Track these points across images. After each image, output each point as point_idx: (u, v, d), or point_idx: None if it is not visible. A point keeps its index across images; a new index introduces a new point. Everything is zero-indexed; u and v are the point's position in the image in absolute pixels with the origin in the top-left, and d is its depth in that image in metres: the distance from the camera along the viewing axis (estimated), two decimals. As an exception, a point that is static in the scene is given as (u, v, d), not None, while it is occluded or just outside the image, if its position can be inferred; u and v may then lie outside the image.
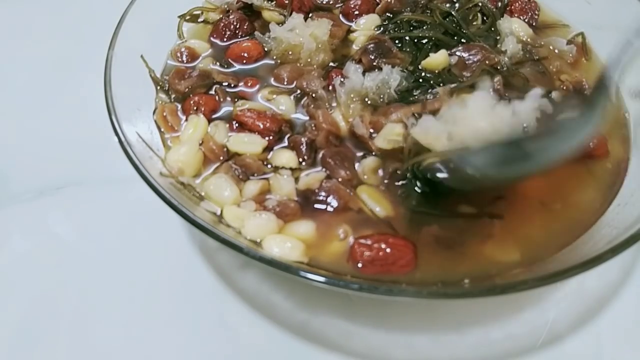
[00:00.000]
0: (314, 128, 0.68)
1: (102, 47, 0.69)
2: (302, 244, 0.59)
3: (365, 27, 0.83)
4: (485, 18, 0.84)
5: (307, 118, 0.71)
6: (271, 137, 0.68)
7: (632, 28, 0.60)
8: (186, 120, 0.71)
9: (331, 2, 0.88)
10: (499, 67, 0.76)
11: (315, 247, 0.59)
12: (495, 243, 0.60)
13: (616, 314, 0.62)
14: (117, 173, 0.70)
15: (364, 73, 0.72)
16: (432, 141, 0.62)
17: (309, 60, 0.77)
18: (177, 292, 0.65)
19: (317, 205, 0.62)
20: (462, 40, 0.79)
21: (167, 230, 0.69)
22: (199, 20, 0.86)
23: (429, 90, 0.72)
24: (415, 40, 0.79)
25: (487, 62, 0.75)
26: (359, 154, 0.67)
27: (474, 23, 0.84)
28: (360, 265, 0.56)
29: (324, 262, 0.58)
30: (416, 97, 0.71)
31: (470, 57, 0.76)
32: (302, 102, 0.72)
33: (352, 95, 0.71)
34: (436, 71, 0.75)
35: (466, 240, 0.60)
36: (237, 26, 0.82)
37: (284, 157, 0.66)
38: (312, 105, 0.71)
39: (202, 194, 0.64)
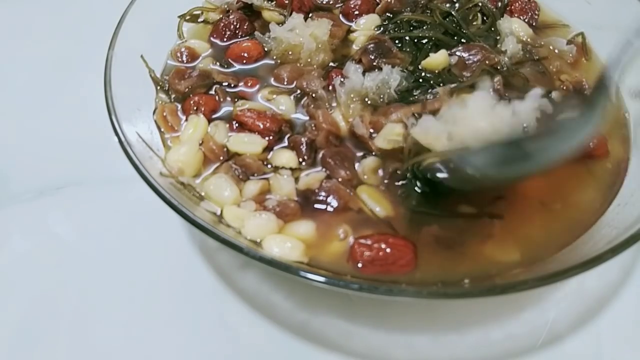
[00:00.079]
0: (314, 128, 0.68)
1: (102, 47, 0.69)
2: (302, 244, 0.59)
3: (365, 27, 0.83)
4: (485, 18, 0.84)
5: (307, 118, 0.71)
6: (271, 137, 0.68)
7: (632, 28, 0.60)
8: (186, 120, 0.71)
9: (331, 2, 0.88)
10: (499, 67, 0.76)
11: (315, 247, 0.59)
12: (496, 243, 0.60)
13: (616, 314, 0.62)
14: (117, 173, 0.70)
15: (364, 73, 0.72)
16: (432, 141, 0.62)
17: (309, 60, 0.77)
18: (177, 292, 0.65)
19: (317, 205, 0.62)
20: (462, 40, 0.79)
21: (167, 230, 0.69)
22: (199, 20, 0.86)
23: (429, 90, 0.72)
24: (415, 40, 0.79)
25: (487, 62, 0.75)
26: (359, 154, 0.67)
27: (474, 23, 0.84)
28: (360, 265, 0.56)
29: (324, 262, 0.58)
30: (416, 97, 0.71)
31: (470, 57, 0.76)
32: (302, 102, 0.72)
33: (352, 95, 0.71)
34: (436, 71, 0.75)
35: (466, 240, 0.60)
36: (237, 26, 0.82)
37: (284, 157, 0.66)
38: (312, 105, 0.71)
39: (202, 194, 0.64)
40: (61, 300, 0.65)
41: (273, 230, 0.60)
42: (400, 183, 0.64)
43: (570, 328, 0.62)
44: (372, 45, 0.76)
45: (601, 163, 0.68)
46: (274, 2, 0.86)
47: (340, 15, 0.86)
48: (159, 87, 0.75)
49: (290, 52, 0.78)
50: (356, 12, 0.84)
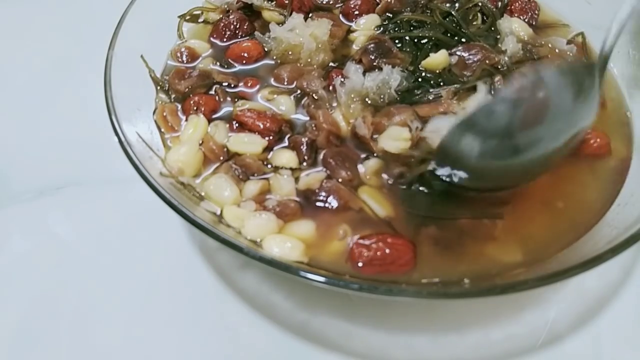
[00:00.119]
0: (314, 128, 0.68)
1: (102, 47, 0.69)
2: (302, 243, 0.59)
3: (365, 27, 0.83)
4: (485, 18, 0.84)
5: (308, 118, 0.71)
6: (271, 137, 0.68)
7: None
8: (186, 120, 0.71)
9: (331, 2, 0.88)
10: (499, 67, 0.76)
11: (315, 247, 0.59)
12: (497, 243, 0.60)
13: (616, 314, 0.62)
14: (117, 173, 0.70)
15: (364, 73, 0.72)
16: None
17: (309, 60, 0.77)
18: (177, 292, 0.65)
19: (317, 205, 0.62)
20: (462, 40, 0.79)
21: (167, 230, 0.69)
22: (199, 20, 0.86)
23: (430, 91, 0.72)
24: (416, 40, 0.79)
25: (487, 61, 0.75)
26: (361, 155, 0.67)
27: (474, 23, 0.84)
28: (359, 265, 0.56)
29: (324, 262, 0.58)
30: (417, 97, 0.72)
31: (471, 56, 0.76)
32: (302, 102, 0.72)
33: (352, 96, 0.71)
34: (437, 71, 0.75)
35: (467, 240, 0.60)
36: (237, 26, 0.82)
37: (284, 157, 0.66)
38: (312, 106, 0.71)
39: (202, 194, 0.64)
40: (61, 300, 0.65)
41: (273, 230, 0.60)
42: (404, 185, 0.64)
43: (570, 328, 0.62)
44: (372, 45, 0.76)
45: (604, 162, 0.67)
46: (274, 2, 0.86)
47: (340, 15, 0.85)
48: (159, 87, 0.75)
49: (290, 52, 0.78)
50: (356, 12, 0.84)
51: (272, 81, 0.76)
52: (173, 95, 0.74)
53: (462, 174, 0.60)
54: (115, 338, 0.62)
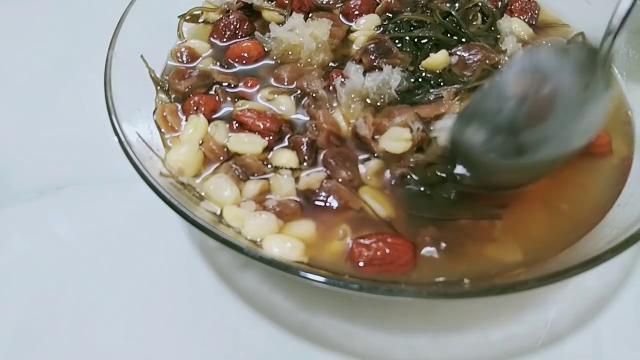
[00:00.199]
0: (314, 128, 0.68)
1: (102, 47, 0.69)
2: (302, 243, 0.59)
3: (365, 27, 0.83)
4: (485, 18, 0.84)
5: (308, 118, 0.71)
6: (271, 137, 0.68)
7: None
8: (186, 120, 0.71)
9: (331, 2, 0.88)
10: (499, 67, 0.76)
11: (315, 247, 0.59)
12: (497, 243, 0.60)
13: (616, 314, 0.62)
14: (117, 173, 0.70)
15: (364, 73, 0.72)
16: None
17: (309, 60, 0.77)
18: (177, 292, 0.65)
19: (317, 206, 0.62)
20: (462, 40, 0.79)
21: (167, 230, 0.69)
22: (199, 20, 0.86)
23: (430, 91, 0.72)
24: (416, 40, 0.79)
25: (487, 61, 0.75)
26: (361, 155, 0.67)
27: (474, 23, 0.84)
28: (359, 264, 0.56)
29: (324, 262, 0.58)
30: (418, 97, 0.72)
31: (471, 56, 0.76)
32: (302, 102, 0.72)
33: (352, 96, 0.71)
34: (437, 71, 0.75)
35: (467, 241, 0.59)
36: (237, 26, 0.82)
37: (284, 157, 0.66)
38: (312, 106, 0.71)
39: (202, 194, 0.64)
40: (61, 300, 0.65)
41: (273, 230, 0.60)
42: (405, 186, 0.64)
43: (570, 328, 0.61)
44: (372, 45, 0.76)
45: (604, 161, 0.67)
46: (274, 2, 0.86)
47: (340, 15, 0.85)
48: (159, 87, 0.75)
49: (290, 52, 0.78)
50: (356, 12, 0.84)
51: (272, 81, 0.76)
52: (173, 95, 0.74)
53: (471, 170, 0.60)
54: (115, 338, 0.62)
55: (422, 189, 0.63)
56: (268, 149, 0.68)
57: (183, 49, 0.79)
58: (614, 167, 0.67)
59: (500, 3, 0.87)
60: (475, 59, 0.75)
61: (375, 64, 0.74)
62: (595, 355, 0.60)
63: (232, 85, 0.75)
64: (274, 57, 0.78)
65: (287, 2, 0.85)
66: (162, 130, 0.70)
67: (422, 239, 0.59)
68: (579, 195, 0.64)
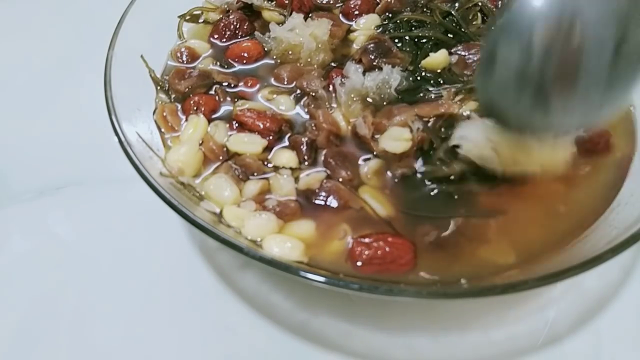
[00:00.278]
0: (314, 128, 0.68)
1: (102, 47, 0.69)
2: (302, 243, 0.59)
3: (365, 26, 0.83)
4: (485, 17, 0.84)
5: (308, 118, 0.71)
6: (271, 137, 0.68)
7: None
8: (186, 120, 0.71)
9: (331, 2, 0.88)
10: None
11: (315, 247, 0.59)
12: (496, 244, 0.60)
13: (616, 314, 0.62)
14: (117, 173, 0.70)
15: (364, 73, 0.72)
16: (482, 151, 0.61)
17: (309, 60, 0.77)
18: (177, 292, 0.65)
19: (317, 205, 0.62)
20: (462, 39, 0.79)
21: (167, 230, 0.69)
22: (199, 20, 0.86)
23: (430, 90, 0.72)
24: (416, 40, 0.79)
25: (487, 61, 0.75)
26: (362, 155, 0.67)
27: (474, 22, 0.84)
28: (359, 264, 0.56)
29: (324, 262, 0.58)
30: (418, 97, 0.72)
31: (471, 55, 0.76)
32: (302, 101, 0.72)
33: (352, 95, 0.71)
34: (437, 70, 0.75)
35: (466, 241, 0.59)
36: (237, 26, 0.82)
37: (284, 157, 0.66)
38: (312, 105, 0.71)
39: (202, 194, 0.64)
40: (61, 300, 0.65)
41: (273, 230, 0.60)
42: (406, 185, 0.64)
43: (570, 328, 0.61)
44: (372, 45, 0.76)
45: (604, 159, 0.67)
46: (274, 2, 0.86)
47: (340, 15, 0.85)
48: (159, 87, 0.75)
49: (290, 52, 0.78)
50: (356, 12, 0.84)
51: (272, 81, 0.76)
52: (173, 95, 0.74)
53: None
54: (115, 338, 0.62)
55: (431, 187, 0.63)
56: (268, 148, 0.68)
57: (183, 49, 0.79)
58: (613, 165, 0.66)
59: (500, 3, 0.87)
60: (476, 59, 0.75)
61: (375, 63, 0.74)
62: (595, 355, 0.60)
63: (232, 85, 0.75)
64: (274, 57, 0.78)
65: (287, 2, 0.85)
66: (162, 130, 0.70)
67: (422, 238, 0.59)
68: (578, 195, 0.64)
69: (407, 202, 0.62)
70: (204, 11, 0.86)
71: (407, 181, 0.64)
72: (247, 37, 0.81)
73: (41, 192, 0.76)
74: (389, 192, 0.63)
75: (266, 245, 0.58)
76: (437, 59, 0.75)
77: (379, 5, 0.85)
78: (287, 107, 0.72)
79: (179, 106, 0.73)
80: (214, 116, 0.71)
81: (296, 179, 0.65)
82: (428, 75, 0.75)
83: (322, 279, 0.50)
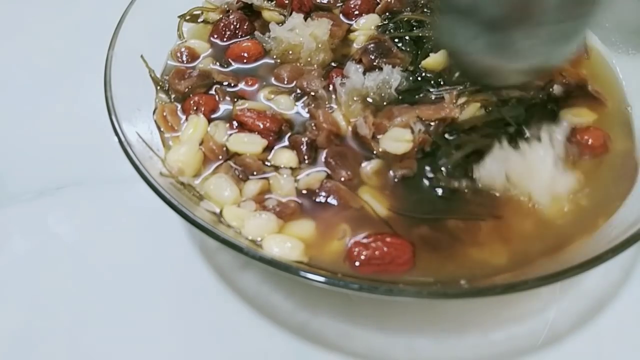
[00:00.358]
0: (314, 128, 0.68)
1: (102, 47, 0.69)
2: (302, 243, 0.59)
3: (365, 26, 0.83)
4: (485, 18, 0.84)
5: (308, 118, 0.71)
6: (271, 137, 0.68)
7: None
8: (186, 120, 0.71)
9: (331, 2, 0.88)
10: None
11: (315, 247, 0.59)
12: (496, 244, 0.60)
13: (616, 314, 0.62)
14: (117, 173, 0.70)
15: (364, 73, 0.72)
16: (497, 184, 0.62)
17: (309, 59, 0.77)
18: (177, 292, 0.65)
19: (317, 205, 0.62)
20: (462, 39, 0.79)
21: (167, 230, 0.69)
22: (199, 20, 0.86)
23: (430, 90, 0.72)
24: (416, 40, 0.79)
25: (487, 61, 0.75)
26: (362, 155, 0.67)
27: (474, 22, 0.84)
28: (357, 264, 0.56)
29: (324, 262, 0.58)
30: (418, 97, 0.71)
31: (471, 56, 0.76)
32: (302, 101, 0.72)
33: (352, 95, 0.71)
34: (437, 70, 0.75)
35: (465, 241, 0.59)
36: (237, 26, 0.82)
37: (284, 156, 0.66)
38: (312, 105, 0.71)
39: (202, 194, 0.64)
40: (61, 300, 0.65)
41: (273, 230, 0.60)
42: (407, 186, 0.64)
43: (570, 328, 0.61)
44: (372, 45, 0.76)
45: (601, 160, 0.67)
46: (274, 2, 0.86)
47: (340, 15, 0.85)
48: (159, 87, 0.75)
49: (290, 52, 0.78)
50: (356, 12, 0.84)
51: (272, 81, 0.76)
52: (173, 95, 0.74)
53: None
54: (115, 338, 0.62)
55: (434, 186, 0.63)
56: (268, 148, 0.68)
57: (183, 49, 0.79)
58: (612, 165, 0.66)
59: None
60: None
61: (375, 63, 0.74)
62: (595, 355, 0.60)
63: (232, 85, 0.75)
64: (274, 57, 0.78)
65: (287, 2, 0.85)
66: (162, 130, 0.70)
67: (421, 238, 0.59)
68: (578, 194, 0.64)
69: (406, 203, 0.62)
70: (204, 11, 0.86)
71: (408, 182, 0.64)
72: (247, 37, 0.81)
73: (41, 192, 0.76)
74: (389, 193, 0.63)
75: (266, 245, 0.58)
76: (438, 59, 0.75)
77: (379, 5, 0.85)
78: (287, 107, 0.72)
79: (179, 106, 0.73)
80: (213, 116, 0.71)
81: (296, 179, 0.64)
82: (428, 75, 0.74)
83: (322, 279, 0.50)
